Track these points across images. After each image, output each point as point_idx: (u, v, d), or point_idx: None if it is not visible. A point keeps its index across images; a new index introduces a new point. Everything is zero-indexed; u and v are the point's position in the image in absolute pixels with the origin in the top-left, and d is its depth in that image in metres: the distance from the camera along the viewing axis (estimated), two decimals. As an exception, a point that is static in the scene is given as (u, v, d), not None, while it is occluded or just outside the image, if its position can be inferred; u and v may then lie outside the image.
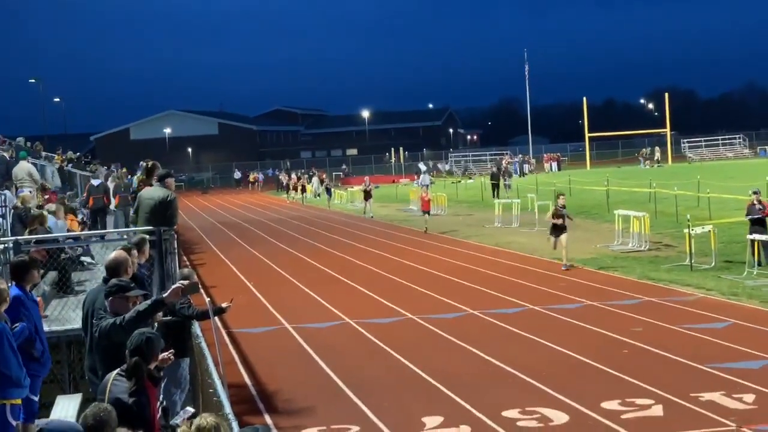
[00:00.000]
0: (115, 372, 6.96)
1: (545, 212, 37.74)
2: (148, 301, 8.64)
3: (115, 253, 9.27)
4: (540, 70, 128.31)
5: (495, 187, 55.09)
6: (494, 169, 62.17)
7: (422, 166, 78.50)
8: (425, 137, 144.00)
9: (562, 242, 24.99)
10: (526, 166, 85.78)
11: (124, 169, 41.65)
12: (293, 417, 12.50)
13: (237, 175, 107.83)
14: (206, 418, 5.58)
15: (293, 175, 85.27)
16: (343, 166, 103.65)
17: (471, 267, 26.22)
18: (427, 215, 38.12)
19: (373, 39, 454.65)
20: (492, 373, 14.33)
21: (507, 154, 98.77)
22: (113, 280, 8.49)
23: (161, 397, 6.97)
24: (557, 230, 25.10)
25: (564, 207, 25.47)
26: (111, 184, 25.86)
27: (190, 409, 7.85)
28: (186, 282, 8.94)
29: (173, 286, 9.20)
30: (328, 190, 61.21)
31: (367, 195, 47.57)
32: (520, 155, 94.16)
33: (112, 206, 24.89)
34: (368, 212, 47.13)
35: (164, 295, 8.74)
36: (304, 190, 65.06)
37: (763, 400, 12.12)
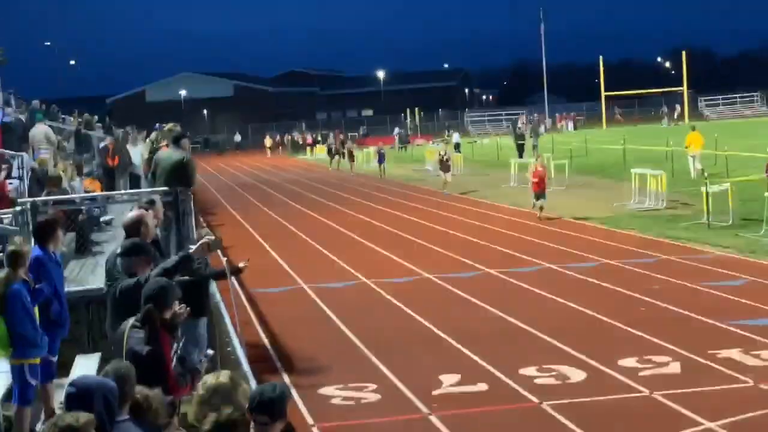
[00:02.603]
0: (131, 321, 6.99)
1: (561, 173, 37.73)
2: (175, 257, 8.68)
3: (132, 213, 9.28)
4: (555, 30, 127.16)
5: (521, 148, 51.53)
6: (520, 128, 60.06)
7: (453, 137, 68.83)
8: (441, 98, 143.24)
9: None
10: (542, 126, 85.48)
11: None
12: (311, 376, 12.56)
13: (237, 138, 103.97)
14: (220, 376, 5.58)
15: (310, 136, 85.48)
16: (362, 128, 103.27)
17: (487, 226, 26.19)
18: (542, 200, 27.08)
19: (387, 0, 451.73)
20: (509, 331, 14.35)
21: (523, 113, 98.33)
22: (129, 240, 8.50)
23: (176, 345, 6.99)
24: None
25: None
26: (137, 148, 25.73)
27: (210, 351, 7.90)
28: (212, 238, 8.96)
29: (200, 241, 9.25)
30: (350, 154, 55.00)
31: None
32: (536, 114, 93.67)
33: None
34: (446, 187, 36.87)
35: (191, 250, 8.77)
36: (352, 156, 54.70)
37: (781, 356, 12.11)
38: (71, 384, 5.30)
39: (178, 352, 6.98)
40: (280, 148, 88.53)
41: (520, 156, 47.90)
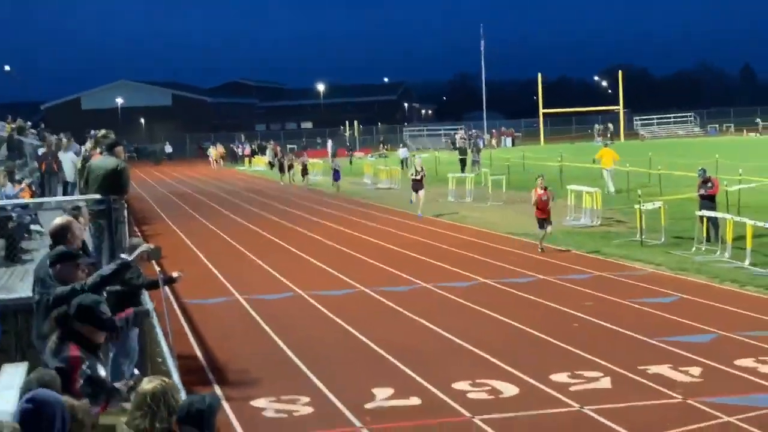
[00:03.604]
0: (56, 334, 6.87)
1: (498, 188, 37.98)
2: (113, 265, 8.53)
3: (58, 219, 9.13)
4: (495, 46, 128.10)
5: (462, 162, 51.94)
6: (462, 143, 59.06)
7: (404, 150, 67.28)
8: (380, 111, 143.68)
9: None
10: (480, 142, 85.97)
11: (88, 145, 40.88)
12: (243, 388, 12.46)
13: (168, 149, 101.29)
14: (151, 382, 5.51)
15: (248, 147, 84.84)
16: (303, 140, 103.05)
17: (424, 240, 26.26)
18: (548, 227, 23.79)
19: (328, 13, 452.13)
20: (443, 346, 14.38)
21: (461, 128, 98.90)
22: (58, 248, 8.35)
23: (86, 365, 6.81)
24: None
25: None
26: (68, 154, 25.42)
27: (137, 372, 7.79)
28: (151, 246, 8.84)
29: (138, 250, 9.12)
30: (304, 168, 51.31)
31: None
32: (474, 130, 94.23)
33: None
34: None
35: (129, 259, 8.65)
36: (306, 171, 50.89)
37: (709, 373, 12.29)
38: (28, 400, 5.12)
39: (87, 371, 6.80)
40: (221, 160, 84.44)
41: (462, 171, 47.97)
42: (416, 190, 32.64)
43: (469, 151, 56.04)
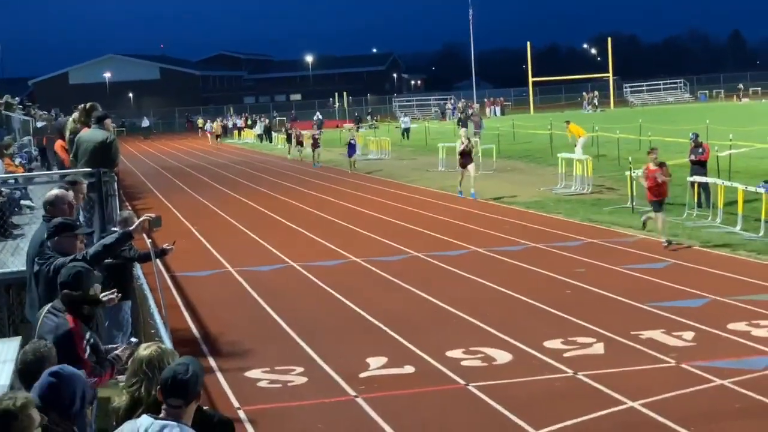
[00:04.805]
0: (47, 307, 6.84)
1: (489, 156, 37.90)
2: (115, 234, 8.52)
3: (53, 190, 9.08)
4: (484, 16, 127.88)
5: None
6: (460, 115, 55.71)
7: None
8: (369, 82, 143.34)
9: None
10: (470, 111, 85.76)
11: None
12: (237, 359, 12.46)
13: (145, 122, 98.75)
14: (147, 348, 5.48)
15: (242, 120, 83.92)
16: (292, 112, 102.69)
17: (415, 210, 26.25)
18: (660, 213, 19.02)
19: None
20: (436, 315, 14.39)
21: (450, 98, 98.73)
22: (57, 219, 8.29)
23: (88, 334, 6.82)
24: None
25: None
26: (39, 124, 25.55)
27: (134, 340, 7.78)
28: (152, 215, 8.83)
29: (139, 219, 9.09)
30: (315, 142, 44.97)
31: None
32: (463, 100, 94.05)
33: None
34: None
35: (131, 228, 8.62)
36: (316, 145, 44.72)
37: (702, 337, 12.33)
38: (52, 374, 5.09)
39: (91, 340, 6.80)
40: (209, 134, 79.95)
41: None
42: (464, 166, 28.07)
43: (469, 122, 53.30)
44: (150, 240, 11.38)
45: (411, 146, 53.70)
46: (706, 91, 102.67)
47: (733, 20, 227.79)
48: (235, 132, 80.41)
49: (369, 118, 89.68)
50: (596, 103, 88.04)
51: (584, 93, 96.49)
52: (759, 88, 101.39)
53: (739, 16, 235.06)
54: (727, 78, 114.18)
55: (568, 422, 9.49)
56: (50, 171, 18.95)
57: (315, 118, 76.28)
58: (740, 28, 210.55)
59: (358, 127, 62.41)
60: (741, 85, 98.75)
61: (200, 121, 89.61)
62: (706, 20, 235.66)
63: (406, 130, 60.24)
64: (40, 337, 6.53)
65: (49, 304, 6.87)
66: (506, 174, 34.70)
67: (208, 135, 78.47)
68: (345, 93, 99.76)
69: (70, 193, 9.10)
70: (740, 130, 34.50)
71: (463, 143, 28.11)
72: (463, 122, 52.66)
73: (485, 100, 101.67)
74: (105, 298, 7.37)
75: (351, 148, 40.63)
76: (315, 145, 44.35)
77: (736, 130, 31.33)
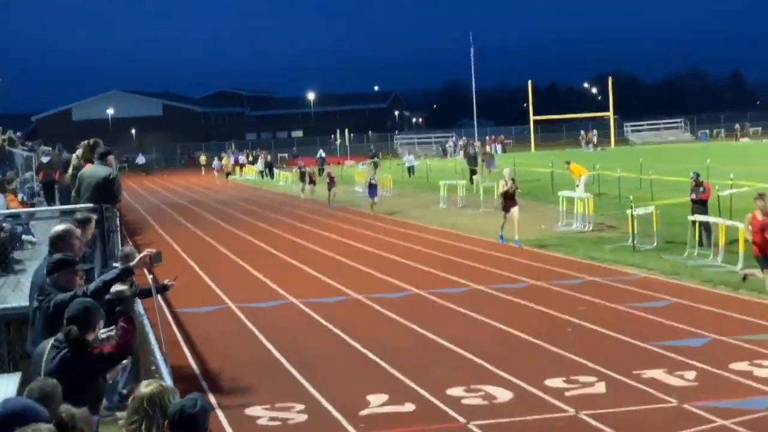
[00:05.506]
0: (51, 341, 6.82)
1: (493, 195, 37.92)
2: (116, 270, 8.50)
3: (60, 226, 9.08)
4: (485, 54, 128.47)
5: (473, 173, 47.35)
6: (471, 153, 53.84)
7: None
8: (371, 119, 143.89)
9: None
10: (471, 149, 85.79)
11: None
12: (237, 396, 12.41)
13: (141, 159, 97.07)
14: (148, 385, 5.47)
15: (243, 157, 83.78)
16: (294, 149, 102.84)
17: (416, 247, 26.24)
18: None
19: (319, 21, 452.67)
20: (437, 352, 14.35)
21: (452, 136, 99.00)
22: (57, 255, 8.29)
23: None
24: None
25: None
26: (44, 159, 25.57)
27: (125, 361, 7.72)
28: (153, 251, 8.84)
29: (140, 255, 9.10)
30: (331, 180, 41.67)
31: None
32: (464, 138, 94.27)
33: None
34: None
35: (131, 264, 8.63)
36: (333, 183, 41.51)
37: (704, 377, 12.28)
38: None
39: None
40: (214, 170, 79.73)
41: (471, 182, 44.56)
42: (507, 209, 25.91)
43: (479, 160, 51.33)
44: (151, 275, 11.36)
45: (412, 183, 53.77)
46: (707, 131, 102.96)
47: (734, 60, 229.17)
48: (237, 168, 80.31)
49: (372, 155, 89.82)
50: (595, 142, 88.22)
51: (582, 132, 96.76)
52: (759, 128, 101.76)
53: (739, 56, 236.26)
54: (727, 117, 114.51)
55: (570, 461, 9.43)
56: (51, 207, 19.00)
57: (318, 156, 76.33)
58: (740, 67, 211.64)
59: (375, 164, 61.13)
60: (738, 126, 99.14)
61: (202, 158, 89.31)
62: (706, 60, 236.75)
63: (411, 168, 60.45)
64: (47, 374, 6.50)
65: (53, 339, 6.85)
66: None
67: (215, 172, 77.58)
68: (347, 130, 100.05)
69: (78, 230, 9.09)
70: (740, 170, 34.55)
71: (506, 184, 25.95)
72: (472, 159, 50.74)
73: (486, 137, 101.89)
74: (104, 335, 7.36)
75: (372, 188, 37.06)
76: (331, 183, 41.31)
77: (736, 170, 31.39)
